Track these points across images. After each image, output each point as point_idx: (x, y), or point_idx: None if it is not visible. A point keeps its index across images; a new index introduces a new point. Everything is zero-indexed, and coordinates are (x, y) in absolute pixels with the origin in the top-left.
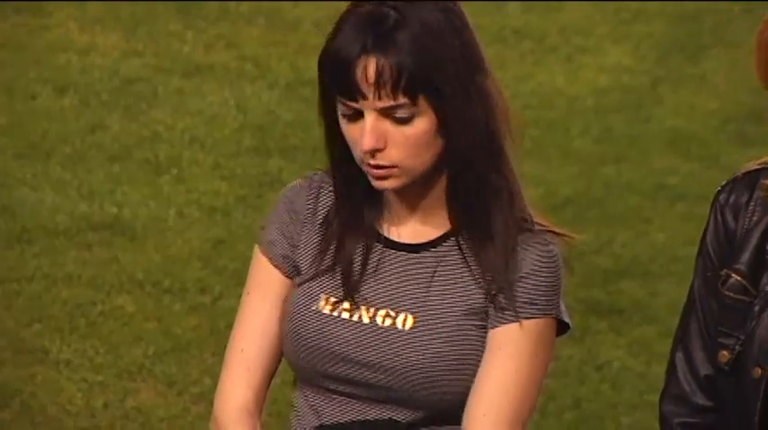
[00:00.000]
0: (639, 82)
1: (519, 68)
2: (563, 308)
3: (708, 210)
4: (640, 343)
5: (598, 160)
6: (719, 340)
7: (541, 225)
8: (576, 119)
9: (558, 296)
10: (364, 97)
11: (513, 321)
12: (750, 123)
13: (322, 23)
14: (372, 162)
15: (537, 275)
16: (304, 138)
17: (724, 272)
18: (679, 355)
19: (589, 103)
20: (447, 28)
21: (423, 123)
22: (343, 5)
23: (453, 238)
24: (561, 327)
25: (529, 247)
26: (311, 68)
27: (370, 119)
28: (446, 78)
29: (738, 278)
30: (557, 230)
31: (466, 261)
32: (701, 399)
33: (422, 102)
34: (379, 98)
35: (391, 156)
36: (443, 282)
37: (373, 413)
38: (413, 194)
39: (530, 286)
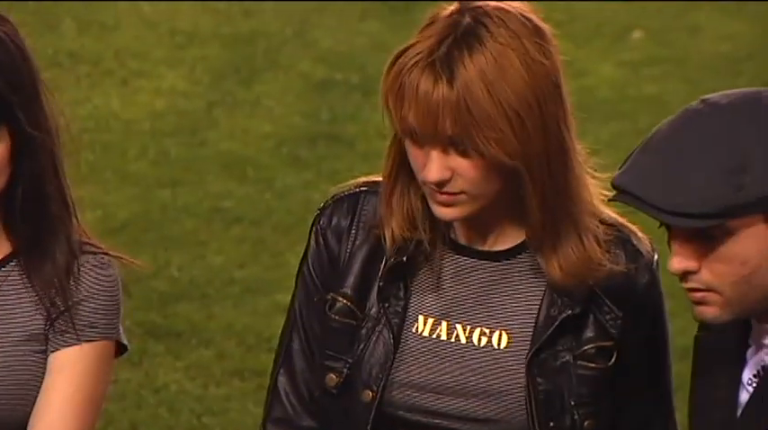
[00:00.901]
0: (195, 106)
1: (75, 92)
2: (121, 330)
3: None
4: (197, 366)
5: (155, 183)
6: (326, 363)
7: (99, 248)
8: (133, 142)
9: (118, 318)
10: None
11: (74, 344)
12: (303, 146)
13: None
14: None
15: (96, 298)
16: None
17: (330, 296)
18: (281, 378)
19: (145, 127)
20: (18, 52)
21: (1, 149)
22: None
23: (13, 262)
24: (119, 349)
25: (88, 271)
26: None
27: None
28: (20, 102)
29: (345, 302)
30: (114, 253)
31: (26, 284)
32: (305, 421)
33: (2, 127)
34: None
35: None
36: (2, 307)
37: None
38: None
39: (90, 309)
